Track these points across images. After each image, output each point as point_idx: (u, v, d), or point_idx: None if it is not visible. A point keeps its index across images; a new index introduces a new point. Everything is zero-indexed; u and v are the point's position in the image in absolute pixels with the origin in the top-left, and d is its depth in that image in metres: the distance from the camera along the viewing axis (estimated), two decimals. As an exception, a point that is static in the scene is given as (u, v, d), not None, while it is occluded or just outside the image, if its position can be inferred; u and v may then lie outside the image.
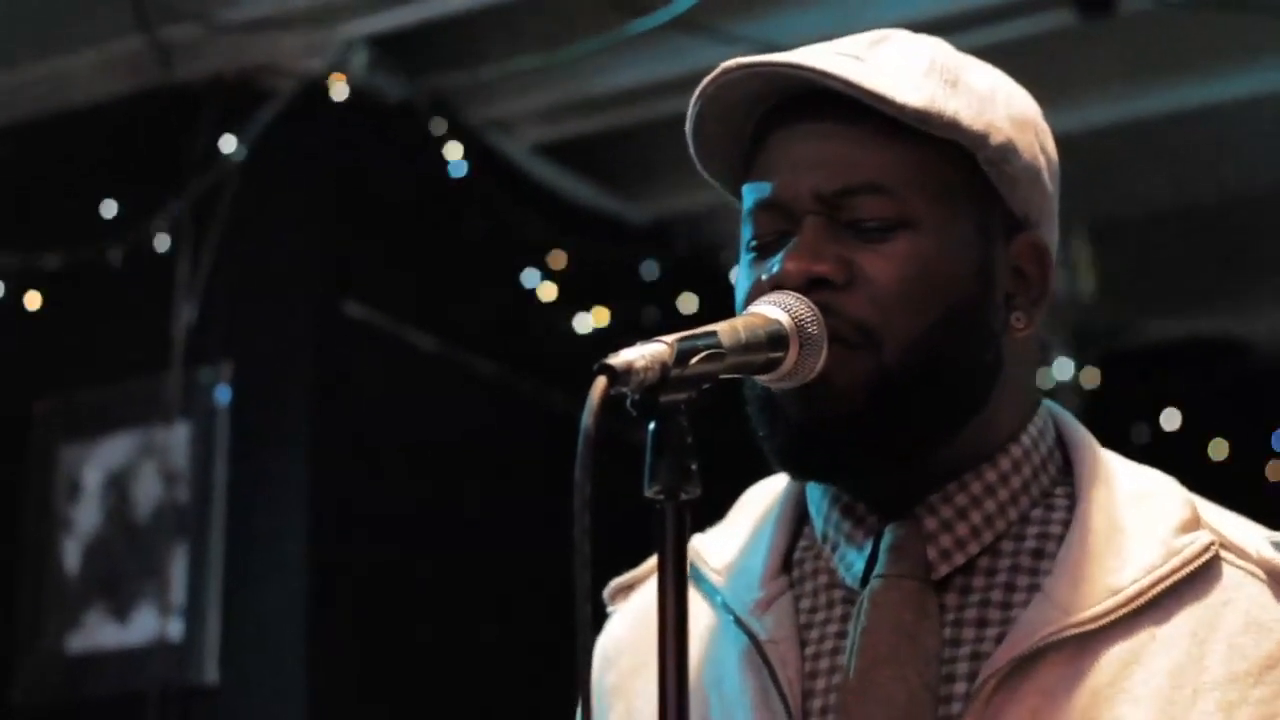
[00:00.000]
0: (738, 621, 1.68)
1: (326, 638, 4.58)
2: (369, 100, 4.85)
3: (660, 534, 1.43)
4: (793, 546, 1.71)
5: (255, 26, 4.72)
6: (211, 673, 4.57)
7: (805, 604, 1.68)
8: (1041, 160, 1.67)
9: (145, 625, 4.66)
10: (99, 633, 4.75)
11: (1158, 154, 5.46)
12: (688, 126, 1.68)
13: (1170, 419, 5.92)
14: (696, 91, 1.65)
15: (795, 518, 1.73)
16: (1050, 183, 1.69)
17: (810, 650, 1.65)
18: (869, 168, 1.60)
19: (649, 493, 1.44)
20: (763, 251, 1.65)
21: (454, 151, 4.95)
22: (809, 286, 1.58)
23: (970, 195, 1.63)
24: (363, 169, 4.88)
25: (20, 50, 4.94)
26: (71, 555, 4.84)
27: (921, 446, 1.62)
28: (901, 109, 1.59)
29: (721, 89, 1.64)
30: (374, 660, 4.64)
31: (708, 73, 1.65)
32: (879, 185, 1.60)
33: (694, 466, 1.44)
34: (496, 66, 4.91)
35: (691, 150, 1.70)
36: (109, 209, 4.86)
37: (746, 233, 1.67)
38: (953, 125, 1.61)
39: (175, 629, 4.63)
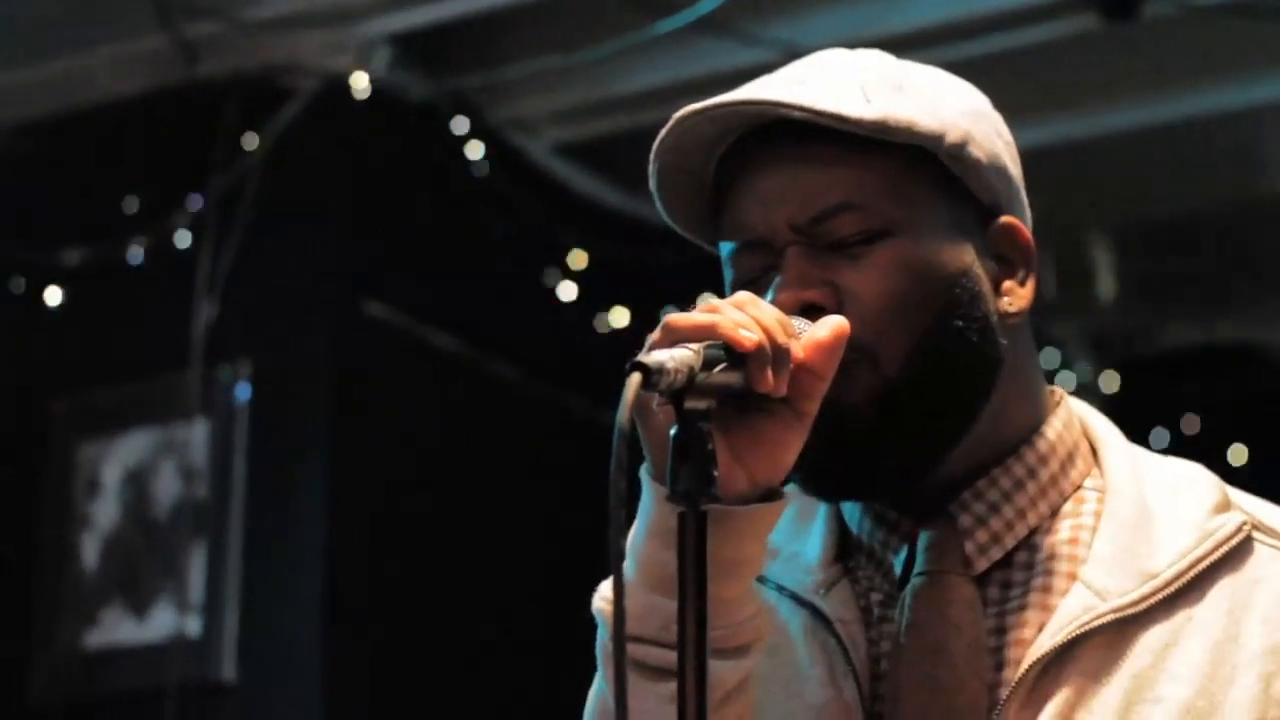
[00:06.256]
0: (795, 598, 1.70)
1: (343, 635, 4.58)
2: (391, 99, 4.85)
3: (681, 539, 1.43)
4: (844, 539, 1.73)
5: (277, 24, 4.72)
6: (229, 670, 4.58)
7: (861, 588, 1.70)
8: (1000, 144, 1.71)
9: (163, 622, 4.67)
10: (117, 629, 4.75)
11: (1179, 159, 5.45)
12: (651, 183, 1.71)
13: (1190, 424, 5.91)
14: (655, 146, 1.68)
15: (841, 515, 1.75)
16: (1012, 165, 1.73)
17: (872, 634, 1.67)
18: (837, 189, 1.64)
19: (669, 499, 1.45)
20: (750, 288, 1.65)
21: (475, 151, 4.95)
22: (801, 315, 1.60)
23: (939, 194, 1.67)
24: (384, 168, 4.88)
25: (43, 47, 4.94)
26: (90, 552, 4.84)
27: (938, 448, 1.65)
28: (859, 123, 1.62)
29: (680, 138, 1.67)
30: (391, 658, 4.65)
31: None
32: (850, 204, 1.64)
33: (715, 473, 1.44)
34: (518, 66, 4.91)
35: (659, 205, 1.73)
36: (130, 205, 4.87)
37: (729, 275, 1.69)
38: (909, 129, 1.64)
39: (193, 626, 4.64)
